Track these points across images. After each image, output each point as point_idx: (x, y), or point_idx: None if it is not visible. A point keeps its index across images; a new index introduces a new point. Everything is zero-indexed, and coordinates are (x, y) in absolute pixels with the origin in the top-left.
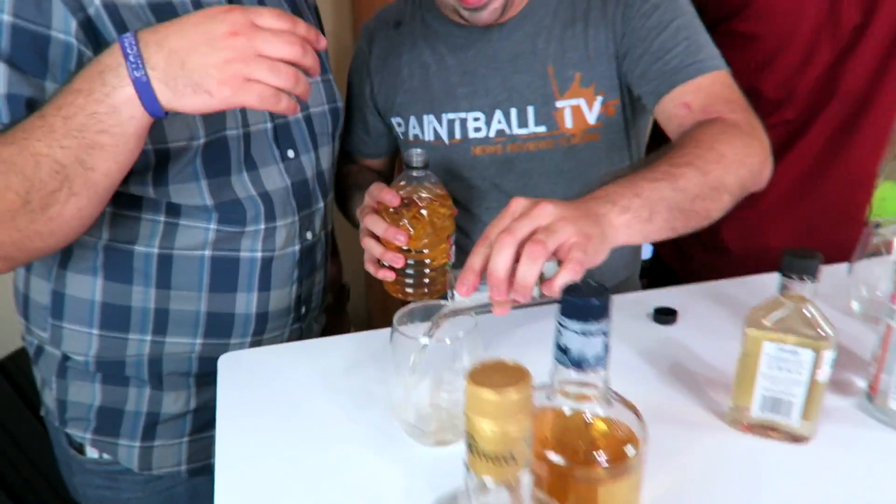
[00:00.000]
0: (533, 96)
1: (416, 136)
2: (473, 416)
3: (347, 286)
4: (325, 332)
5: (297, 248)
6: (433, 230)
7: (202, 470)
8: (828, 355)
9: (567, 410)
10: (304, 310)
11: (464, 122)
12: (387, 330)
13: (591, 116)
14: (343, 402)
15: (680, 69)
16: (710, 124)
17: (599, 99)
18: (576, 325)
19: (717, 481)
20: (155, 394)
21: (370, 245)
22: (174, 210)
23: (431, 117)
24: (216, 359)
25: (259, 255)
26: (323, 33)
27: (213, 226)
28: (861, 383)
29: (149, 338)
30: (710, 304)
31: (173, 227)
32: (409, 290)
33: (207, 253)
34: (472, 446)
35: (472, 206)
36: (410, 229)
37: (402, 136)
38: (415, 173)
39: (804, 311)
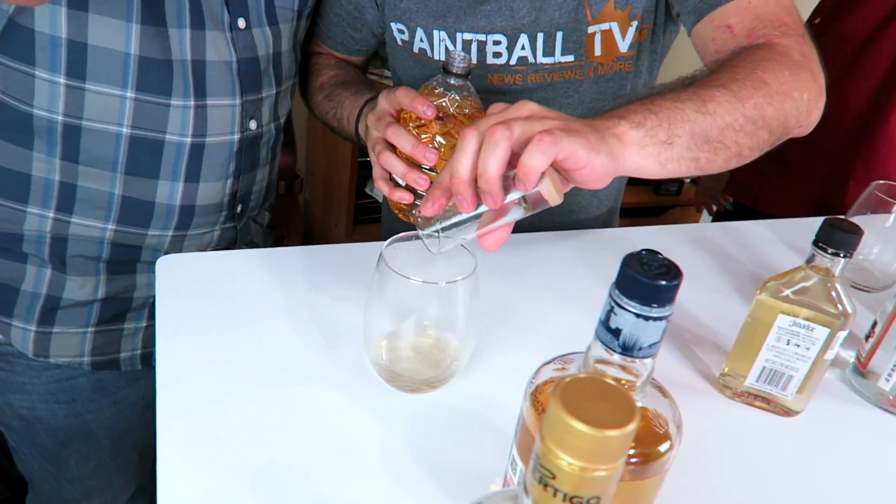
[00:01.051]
0: (563, 20)
1: (421, 51)
2: (555, 449)
3: (301, 177)
4: (272, 224)
5: (235, 136)
6: None
7: (108, 364)
8: (841, 336)
9: None
10: (239, 208)
11: (482, 45)
12: (355, 245)
13: (624, 44)
14: (307, 328)
15: None
16: (754, 50)
17: (634, 24)
18: (635, 307)
19: (702, 449)
20: (56, 276)
21: (391, 162)
22: (77, 68)
23: (444, 34)
24: (131, 247)
25: (188, 140)
26: None
27: (129, 93)
28: (845, 355)
29: (51, 214)
30: (693, 249)
31: (78, 92)
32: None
33: (126, 131)
34: (544, 480)
35: None
36: (441, 149)
37: (400, 44)
38: (454, 81)
39: (829, 286)
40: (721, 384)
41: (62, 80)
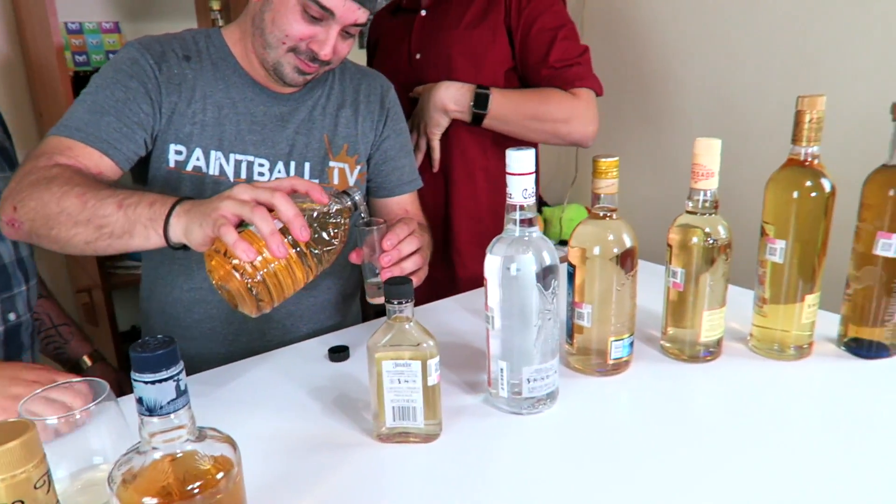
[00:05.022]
0: (311, 155)
1: (196, 168)
2: None
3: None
4: None
5: (1, 328)
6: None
7: None
8: (432, 363)
9: (158, 456)
10: None
11: (251, 164)
12: None
13: (351, 179)
14: None
15: (408, 182)
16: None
17: (358, 167)
18: (146, 377)
19: (362, 489)
20: None
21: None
22: None
23: (219, 154)
24: None
25: None
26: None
27: None
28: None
29: None
30: None
31: None
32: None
33: None
34: None
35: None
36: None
37: (171, 166)
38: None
39: (407, 328)
40: (375, 434)
41: None
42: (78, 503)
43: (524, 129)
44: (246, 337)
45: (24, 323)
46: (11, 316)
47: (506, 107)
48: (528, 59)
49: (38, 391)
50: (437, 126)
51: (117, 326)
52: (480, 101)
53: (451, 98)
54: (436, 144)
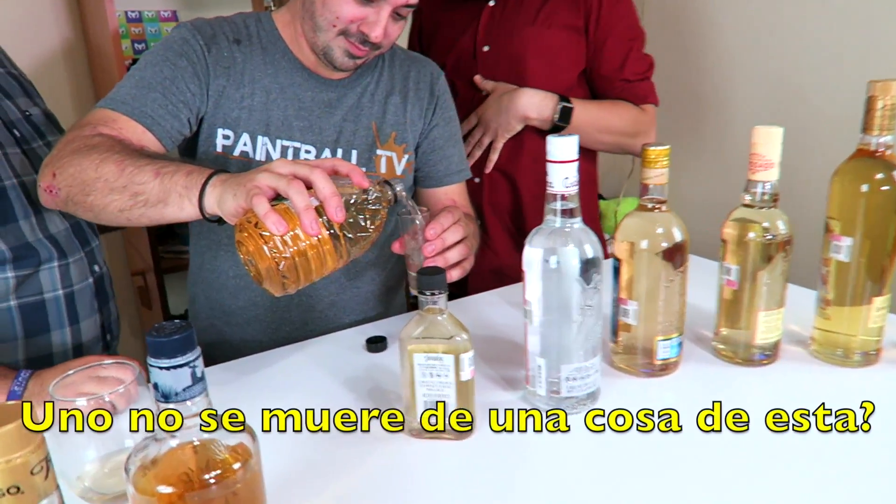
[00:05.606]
0: (358, 142)
1: (243, 154)
2: None
3: None
4: None
5: (91, 280)
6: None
7: None
8: (466, 357)
9: (174, 444)
10: (108, 337)
11: (297, 150)
12: None
13: (399, 168)
14: None
15: (456, 172)
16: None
17: (406, 156)
18: (161, 363)
19: (388, 485)
20: None
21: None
22: None
23: (266, 140)
24: None
25: (61, 292)
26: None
27: (10, 273)
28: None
29: None
30: None
31: None
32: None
33: (13, 302)
34: None
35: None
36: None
37: (219, 150)
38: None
39: (440, 320)
40: (408, 428)
41: None
42: (107, 485)
43: (593, 139)
44: (288, 326)
45: (105, 274)
46: (96, 268)
47: (583, 119)
48: (601, 67)
49: (69, 373)
50: (511, 132)
51: (169, 309)
52: (564, 115)
53: (534, 108)
54: (499, 145)
